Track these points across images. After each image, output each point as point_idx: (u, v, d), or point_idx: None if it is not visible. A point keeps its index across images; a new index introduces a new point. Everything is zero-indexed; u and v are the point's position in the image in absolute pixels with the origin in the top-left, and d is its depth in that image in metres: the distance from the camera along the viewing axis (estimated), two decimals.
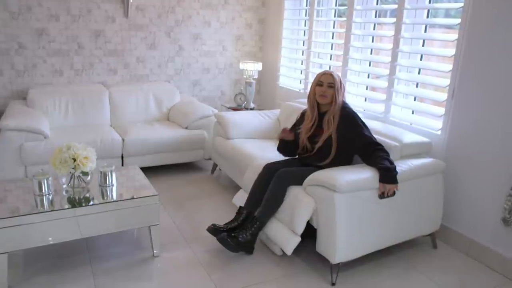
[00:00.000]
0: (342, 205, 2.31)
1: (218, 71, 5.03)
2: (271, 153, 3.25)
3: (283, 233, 2.51)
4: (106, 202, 2.34)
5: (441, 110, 2.90)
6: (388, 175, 2.36)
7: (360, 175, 2.39)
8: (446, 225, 2.90)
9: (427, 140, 2.80)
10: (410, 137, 2.75)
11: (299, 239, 2.43)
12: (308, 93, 2.75)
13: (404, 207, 2.55)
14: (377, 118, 3.36)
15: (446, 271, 2.60)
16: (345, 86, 2.70)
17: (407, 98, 3.34)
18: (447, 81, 2.83)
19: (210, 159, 4.09)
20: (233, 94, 5.14)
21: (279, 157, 3.01)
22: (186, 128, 3.98)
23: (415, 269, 2.59)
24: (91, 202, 2.35)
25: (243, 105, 4.73)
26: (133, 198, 2.41)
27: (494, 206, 2.62)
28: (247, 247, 2.54)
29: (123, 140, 3.65)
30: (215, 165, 4.01)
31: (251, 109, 4.69)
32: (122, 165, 3.70)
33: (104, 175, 2.50)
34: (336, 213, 2.30)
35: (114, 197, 2.44)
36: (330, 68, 4.19)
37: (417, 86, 3.30)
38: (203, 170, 4.17)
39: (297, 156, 2.88)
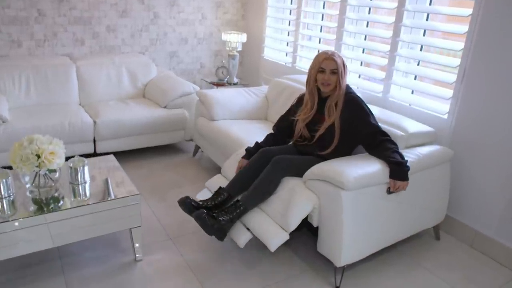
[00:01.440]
0: (349, 203, 2.07)
1: (197, 42, 4.62)
2: (260, 137, 2.96)
3: (268, 227, 2.17)
4: (80, 206, 2.01)
5: (449, 92, 2.66)
6: (400, 171, 2.13)
7: (368, 169, 2.14)
8: (449, 215, 2.73)
9: (432, 130, 2.57)
10: (415, 126, 2.51)
11: (287, 236, 2.14)
12: (306, 78, 2.45)
13: (411, 200, 2.34)
14: (375, 98, 3.11)
15: (452, 266, 2.44)
16: (347, 65, 2.41)
17: (407, 77, 3.09)
18: (457, 61, 2.58)
19: (191, 140, 3.76)
20: (214, 66, 4.76)
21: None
22: (165, 107, 3.61)
23: (420, 265, 2.42)
24: (61, 203, 2.02)
25: (226, 79, 4.38)
26: (111, 199, 2.09)
27: (503, 197, 2.45)
28: (222, 232, 2.18)
29: (94, 122, 3.26)
30: (197, 147, 3.69)
31: (235, 84, 4.34)
32: (95, 150, 3.33)
33: (75, 171, 2.16)
34: (343, 212, 2.06)
35: (88, 198, 2.11)
36: (320, 41, 3.88)
37: (418, 64, 3.05)
38: (184, 152, 3.85)
39: (291, 143, 2.61)
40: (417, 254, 2.53)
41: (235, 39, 4.19)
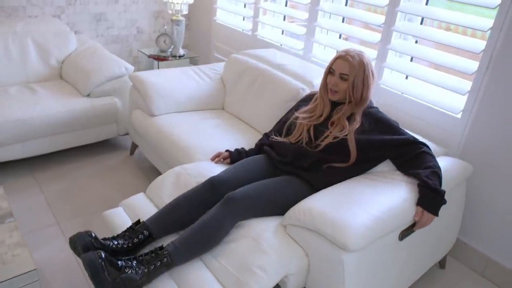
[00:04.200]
0: (353, 267, 1.43)
1: (130, 0, 3.64)
2: (217, 140, 2.23)
3: None
4: None
5: (467, 85, 2.03)
6: (435, 200, 1.56)
7: (377, 212, 1.48)
8: (458, 238, 2.20)
9: (444, 149, 2.01)
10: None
11: None
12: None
13: (425, 238, 1.75)
14: None
15: None
16: (374, 75, 1.78)
17: (401, 56, 2.42)
18: (482, 44, 1.92)
19: (127, 134, 2.94)
20: (154, 31, 3.84)
21: (231, 146, 2.09)
22: (88, 95, 2.73)
23: None
24: None
25: (169, 51, 3.50)
26: None
27: None
28: None
29: None
30: (134, 144, 2.88)
31: (180, 56, 3.49)
32: None
33: None
34: (345, 281, 1.42)
35: None
36: (286, 3, 3.08)
37: (416, 42, 2.38)
38: (119, 148, 3.02)
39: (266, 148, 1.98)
40: None
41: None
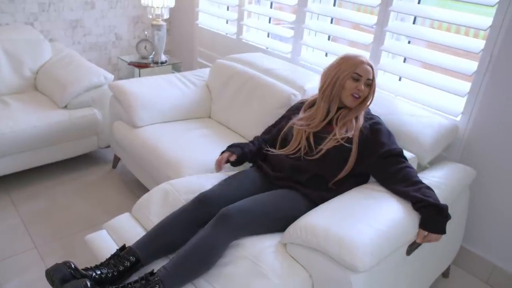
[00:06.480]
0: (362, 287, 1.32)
1: (108, 5, 3.48)
2: (206, 153, 2.10)
3: None
4: None
5: (466, 86, 1.95)
6: (439, 220, 1.44)
7: (383, 227, 1.37)
8: (461, 245, 2.11)
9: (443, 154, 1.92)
10: (427, 133, 1.80)
11: None
12: (326, 82, 1.71)
13: (432, 250, 1.66)
14: None
15: None
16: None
17: (394, 58, 2.33)
18: (481, 43, 1.84)
19: (109, 146, 2.78)
20: (134, 37, 3.68)
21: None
22: (66, 107, 2.57)
23: None
24: None
25: (151, 58, 3.35)
26: None
27: None
28: None
29: None
30: (117, 157, 2.73)
31: (163, 63, 3.34)
32: None
33: None
34: None
35: None
36: (271, 5, 2.97)
37: (409, 43, 2.30)
38: (101, 162, 2.86)
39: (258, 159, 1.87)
40: None
41: (160, 3, 3.13)
